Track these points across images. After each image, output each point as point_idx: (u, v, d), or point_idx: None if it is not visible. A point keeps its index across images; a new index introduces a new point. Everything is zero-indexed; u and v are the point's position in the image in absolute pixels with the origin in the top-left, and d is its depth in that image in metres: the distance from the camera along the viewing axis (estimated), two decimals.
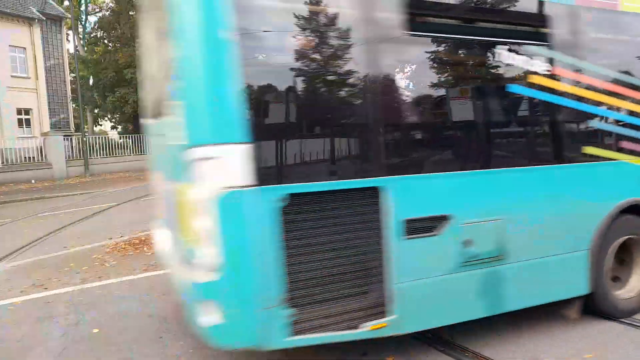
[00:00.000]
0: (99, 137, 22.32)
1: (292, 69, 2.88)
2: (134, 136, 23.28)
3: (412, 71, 3.36)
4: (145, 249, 7.04)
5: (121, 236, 8.00)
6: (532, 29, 3.57)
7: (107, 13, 26.27)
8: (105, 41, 26.56)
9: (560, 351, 3.47)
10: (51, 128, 21.98)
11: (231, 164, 2.58)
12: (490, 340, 3.60)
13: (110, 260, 6.51)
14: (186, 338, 3.95)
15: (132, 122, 27.22)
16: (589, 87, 3.73)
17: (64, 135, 20.18)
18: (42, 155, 19.10)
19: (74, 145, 21.16)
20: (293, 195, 2.69)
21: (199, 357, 3.63)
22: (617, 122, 3.99)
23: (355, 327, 2.89)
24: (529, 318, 3.80)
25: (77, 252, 7.07)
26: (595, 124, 3.92)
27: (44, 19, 23.58)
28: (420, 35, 3.23)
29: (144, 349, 3.80)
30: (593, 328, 3.79)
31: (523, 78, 3.51)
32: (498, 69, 3.50)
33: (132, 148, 22.97)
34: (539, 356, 3.42)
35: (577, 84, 3.69)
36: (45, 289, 5.38)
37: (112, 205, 11.66)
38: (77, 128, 25.01)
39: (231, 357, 3.58)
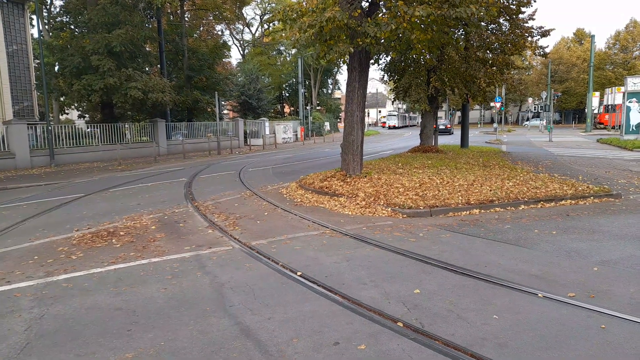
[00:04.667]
0: (65, 126, 21.55)
1: None
2: (103, 125, 22.63)
3: None
4: (113, 240, 6.89)
5: (88, 228, 7.79)
6: None
7: None
8: (72, 26, 25.59)
9: None
10: (14, 116, 21.07)
11: None
12: None
13: (77, 252, 6.33)
14: (156, 330, 3.90)
15: (99, 111, 26.44)
16: None
17: (28, 124, 19.43)
18: (4, 144, 18.34)
19: (38, 134, 20.41)
20: None
21: (170, 349, 3.59)
22: None
23: None
24: None
25: (41, 244, 6.85)
26: None
27: (5, 1, 22.54)
28: None
29: (112, 342, 3.73)
30: None
31: None
32: None
33: (101, 138, 22.35)
34: None
35: None
36: (8, 282, 5.20)
37: (79, 196, 11.33)
38: (42, 116, 24.13)
39: (204, 343, 3.56)
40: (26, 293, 4.86)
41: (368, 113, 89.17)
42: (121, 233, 7.33)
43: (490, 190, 9.44)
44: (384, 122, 77.33)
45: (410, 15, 8.77)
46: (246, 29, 58.19)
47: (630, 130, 25.23)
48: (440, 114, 62.59)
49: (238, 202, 10.00)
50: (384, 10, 10.50)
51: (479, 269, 5.24)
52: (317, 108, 54.24)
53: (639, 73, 48.36)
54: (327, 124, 51.17)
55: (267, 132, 34.77)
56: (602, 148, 23.51)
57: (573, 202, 9.03)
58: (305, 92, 48.53)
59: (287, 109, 59.00)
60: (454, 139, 28.18)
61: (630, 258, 5.58)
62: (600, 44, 68.97)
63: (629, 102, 25.17)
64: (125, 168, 18.31)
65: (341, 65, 53.79)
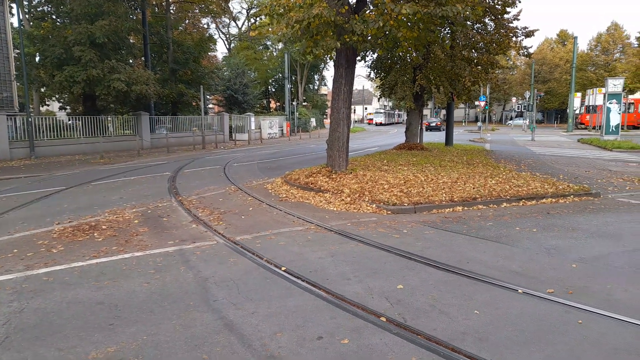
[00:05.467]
0: (45, 118, 21.15)
1: None
2: (85, 118, 22.25)
3: None
4: (95, 234, 6.80)
5: (70, 221, 7.67)
6: None
7: None
8: (53, 16, 25.06)
9: None
10: None
11: None
12: None
13: (58, 246, 6.24)
14: (138, 324, 3.87)
15: (81, 103, 25.98)
16: None
17: (7, 115, 19.01)
18: None
19: (18, 125, 19.97)
20: None
21: (152, 343, 3.56)
22: None
23: None
24: None
25: (21, 237, 6.72)
26: None
27: None
28: None
29: (93, 336, 3.69)
30: None
31: None
32: None
33: (82, 130, 21.97)
34: None
35: None
36: None
37: (60, 189, 11.14)
38: (22, 108, 23.62)
39: (187, 337, 3.54)
40: (5, 287, 4.77)
41: (354, 110, 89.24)
42: (103, 227, 7.24)
43: (474, 188, 9.56)
44: (370, 119, 77.61)
45: (397, 13, 8.81)
46: (232, 23, 57.80)
47: (610, 130, 25.73)
48: (426, 112, 63.02)
49: (223, 197, 9.95)
50: (371, 8, 10.52)
51: (461, 265, 5.32)
52: (304, 104, 54.11)
53: (620, 75, 49.33)
54: (313, 119, 51.13)
55: (253, 127, 34.60)
56: (583, 148, 23.96)
57: (554, 200, 9.20)
58: (291, 88, 48.36)
59: (273, 104, 58.73)
60: (442, 136, 28.54)
61: (607, 255, 5.72)
62: (583, 45, 70.23)
63: (610, 103, 25.67)
64: (107, 161, 18.04)
65: (328, 61, 53.82)
